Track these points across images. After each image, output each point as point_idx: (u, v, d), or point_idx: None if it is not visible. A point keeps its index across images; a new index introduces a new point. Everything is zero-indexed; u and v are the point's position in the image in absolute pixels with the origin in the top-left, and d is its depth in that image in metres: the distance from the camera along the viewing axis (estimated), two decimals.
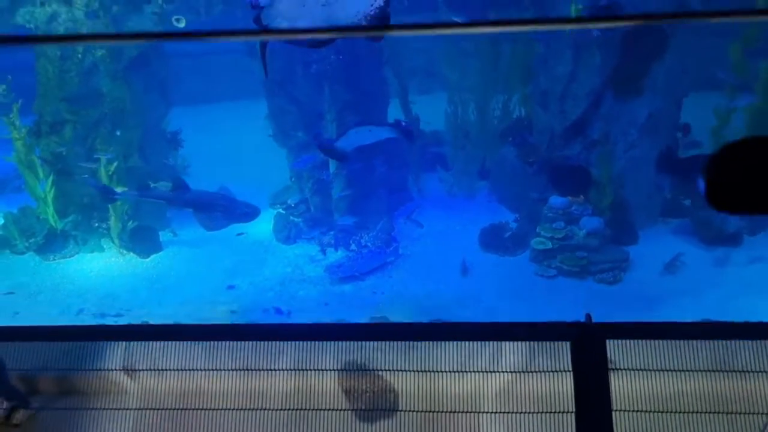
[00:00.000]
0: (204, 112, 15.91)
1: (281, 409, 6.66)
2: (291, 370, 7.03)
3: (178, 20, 11.09)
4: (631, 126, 10.72)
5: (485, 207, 12.26)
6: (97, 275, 11.27)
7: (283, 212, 11.89)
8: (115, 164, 11.19)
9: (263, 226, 11.81)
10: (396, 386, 6.83)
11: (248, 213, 10.82)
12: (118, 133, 11.32)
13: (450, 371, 4.87)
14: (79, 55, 10.85)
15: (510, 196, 11.98)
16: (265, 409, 6.69)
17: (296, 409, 6.68)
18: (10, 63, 11.56)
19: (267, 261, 11.26)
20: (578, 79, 10.64)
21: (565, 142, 10.84)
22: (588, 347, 3.56)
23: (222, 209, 10.67)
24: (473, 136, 12.85)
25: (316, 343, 7.33)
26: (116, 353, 7.46)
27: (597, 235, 10.27)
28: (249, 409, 6.73)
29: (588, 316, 3.76)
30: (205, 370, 7.15)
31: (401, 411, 6.38)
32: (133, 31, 10.61)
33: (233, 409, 6.75)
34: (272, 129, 12.12)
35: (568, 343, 3.74)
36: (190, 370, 7.16)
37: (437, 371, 5.37)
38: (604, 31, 9.78)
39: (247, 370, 7.09)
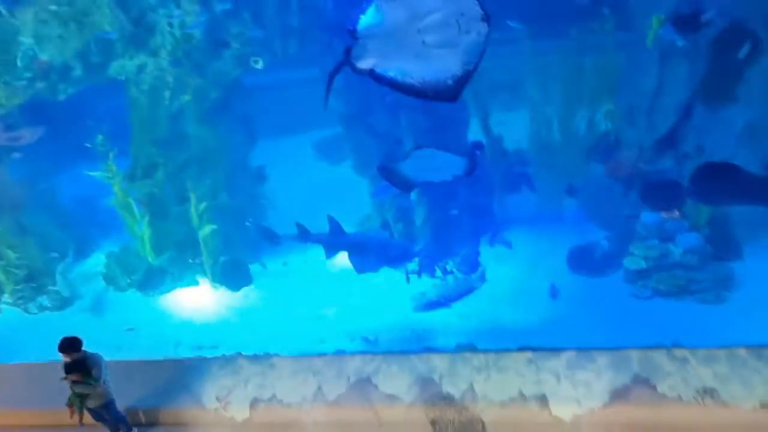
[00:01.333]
0: (287, 144, 16.27)
1: None
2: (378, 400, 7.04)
3: (256, 62, 11.49)
4: (728, 136, 10.10)
5: (574, 226, 11.85)
6: (192, 309, 11.68)
7: None
8: (204, 204, 11.62)
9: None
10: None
11: (401, 255, 10.90)
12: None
13: None
14: (167, 102, 11.39)
15: (599, 214, 11.53)
16: None
17: None
18: (110, 105, 12.34)
19: (353, 290, 11.33)
20: (666, 91, 10.17)
21: (656, 156, 10.35)
22: None
23: (375, 252, 10.79)
24: (559, 154, 12.48)
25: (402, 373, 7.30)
26: (211, 385, 7.71)
27: (696, 252, 9.71)
28: None
29: None
30: (292, 402, 7.27)
31: None
32: None
33: None
34: (352, 159, 12.26)
35: None
36: (279, 401, 7.32)
37: None
38: (690, 40, 9.31)
39: (334, 401, 7.17)
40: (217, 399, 7.57)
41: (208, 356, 10.02)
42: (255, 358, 8.26)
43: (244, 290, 12.03)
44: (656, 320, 9.22)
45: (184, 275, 12.24)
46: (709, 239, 9.91)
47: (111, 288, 12.47)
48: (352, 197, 12.55)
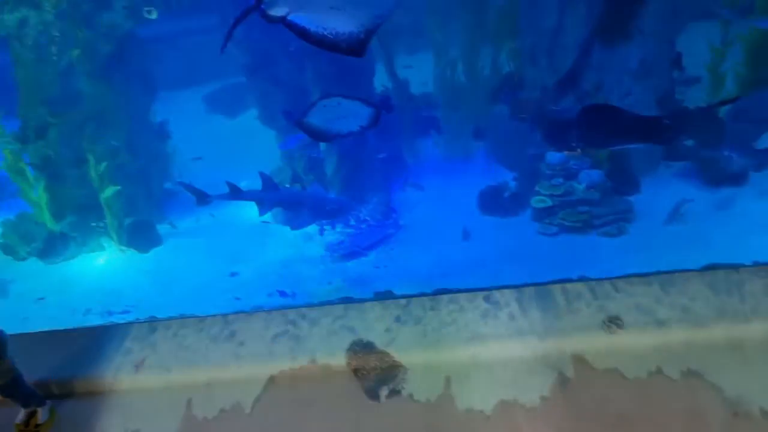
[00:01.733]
0: (189, 96, 15.68)
1: (292, 393, 6.69)
2: (300, 353, 7.04)
3: (149, 12, 10.92)
4: (624, 73, 10.45)
5: (482, 168, 12.09)
6: (100, 274, 11.29)
7: None
8: (104, 164, 11.12)
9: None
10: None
11: (337, 209, 10.63)
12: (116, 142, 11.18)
13: None
14: (54, 57, 10.69)
15: (507, 155, 11.78)
16: (275, 396, 6.70)
17: (307, 392, 6.72)
18: None
19: (267, 244, 11.21)
20: (565, 30, 10.37)
21: (557, 95, 10.60)
22: None
23: (310, 207, 10.48)
24: (464, 96, 12.60)
25: (323, 324, 7.32)
26: (125, 351, 7.49)
27: (597, 187, 10.10)
28: (258, 397, 6.75)
29: None
30: (211, 362, 7.18)
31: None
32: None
33: (243, 398, 6.80)
34: (257, 111, 11.97)
35: None
36: (197, 364, 7.20)
37: None
38: None
39: (255, 357, 7.12)
40: (134, 365, 7.37)
41: (121, 322, 9.73)
42: (170, 321, 8.07)
43: (154, 252, 11.69)
44: (563, 255, 9.60)
45: (88, 240, 11.76)
46: (609, 175, 10.32)
47: (9, 258, 11.85)
48: (260, 150, 12.32)
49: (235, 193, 10.20)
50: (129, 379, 7.22)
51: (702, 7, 11.16)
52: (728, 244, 8.98)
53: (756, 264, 7.52)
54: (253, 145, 12.52)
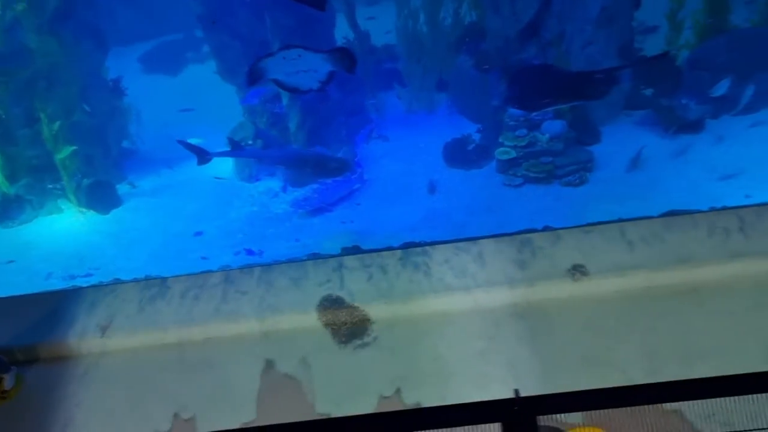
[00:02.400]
0: (143, 50, 15.16)
1: (263, 350, 6.71)
2: (269, 311, 7.04)
3: None
4: (586, 22, 10.42)
5: (447, 120, 12.05)
6: (60, 237, 11.02)
7: None
8: (58, 123, 10.76)
9: (224, 166, 11.54)
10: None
11: (339, 167, 10.39)
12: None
13: None
14: None
15: (470, 106, 11.74)
16: (245, 353, 6.71)
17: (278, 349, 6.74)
18: None
19: (231, 202, 11.06)
20: None
21: (519, 45, 10.55)
22: (518, 427, 3.42)
23: (312, 165, 10.24)
24: (427, 48, 12.46)
25: (291, 281, 7.31)
26: (90, 314, 7.39)
27: (560, 138, 10.14)
28: (229, 356, 6.76)
29: (516, 392, 3.59)
30: (179, 322, 7.14)
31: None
32: None
33: (212, 357, 6.80)
34: (216, 65, 11.67)
35: (498, 425, 3.56)
36: (164, 325, 7.16)
37: None
38: None
39: (224, 316, 7.10)
40: (99, 328, 7.29)
41: (84, 285, 9.57)
42: (135, 283, 7.98)
43: (114, 213, 11.45)
44: (528, 206, 9.70)
45: (45, 202, 11.45)
46: (571, 124, 10.37)
47: None
48: (220, 106, 12.06)
49: (236, 151, 9.99)
50: (95, 342, 7.15)
51: None
52: (686, 190, 9.17)
53: (712, 209, 7.73)
54: (212, 101, 12.24)
